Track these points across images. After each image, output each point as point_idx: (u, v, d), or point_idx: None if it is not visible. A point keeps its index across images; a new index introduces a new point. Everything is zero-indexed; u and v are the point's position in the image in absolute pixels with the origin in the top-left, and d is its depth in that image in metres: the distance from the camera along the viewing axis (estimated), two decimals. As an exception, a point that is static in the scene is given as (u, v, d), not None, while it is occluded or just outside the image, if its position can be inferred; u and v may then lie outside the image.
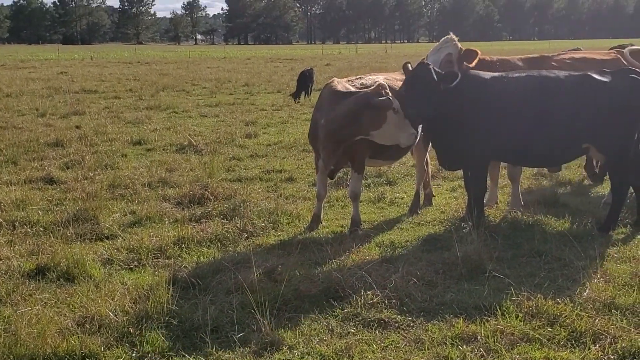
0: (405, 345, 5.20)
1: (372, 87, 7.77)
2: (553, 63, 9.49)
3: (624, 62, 9.38)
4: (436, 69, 7.80)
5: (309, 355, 5.06)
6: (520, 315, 5.56)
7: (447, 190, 10.33)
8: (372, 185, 10.59)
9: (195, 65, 47.84)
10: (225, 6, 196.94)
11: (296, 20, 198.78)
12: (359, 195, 8.42)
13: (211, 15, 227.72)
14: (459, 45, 8.93)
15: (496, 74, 8.17)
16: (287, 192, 10.19)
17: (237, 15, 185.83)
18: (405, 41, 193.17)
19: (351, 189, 8.36)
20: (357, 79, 8.57)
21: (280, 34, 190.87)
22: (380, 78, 8.39)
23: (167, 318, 5.55)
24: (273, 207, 8.80)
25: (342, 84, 8.12)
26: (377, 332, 5.42)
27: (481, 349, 5.02)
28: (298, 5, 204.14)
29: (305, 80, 23.43)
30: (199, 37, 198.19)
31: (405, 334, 5.39)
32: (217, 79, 33.20)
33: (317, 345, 5.16)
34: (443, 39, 9.13)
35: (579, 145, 7.94)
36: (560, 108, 7.71)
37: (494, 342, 5.11)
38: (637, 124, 7.89)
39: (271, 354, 5.09)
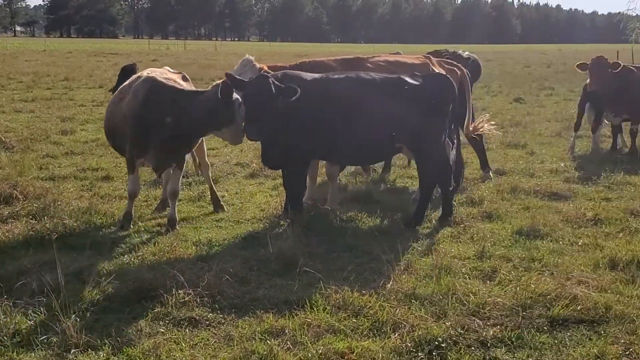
0: (215, 342, 5.24)
1: (215, 85, 7.77)
2: (368, 65, 9.88)
3: (433, 67, 9.96)
4: (276, 81, 7.77)
5: (114, 356, 4.97)
6: (328, 307, 5.77)
7: (268, 189, 10.46)
8: (192, 184, 10.52)
9: (12, 58, 45.06)
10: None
11: (122, 14, 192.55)
12: (177, 194, 8.36)
13: (32, 7, 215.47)
14: (258, 65, 9.10)
15: (316, 75, 8.39)
16: (103, 191, 9.90)
17: (59, 7, 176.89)
18: (236, 39, 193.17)
19: (172, 187, 8.29)
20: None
21: (105, 28, 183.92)
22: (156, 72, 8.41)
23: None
24: (86, 207, 8.50)
25: (163, 78, 8.06)
26: (187, 330, 5.41)
27: (288, 342, 5.16)
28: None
29: (126, 76, 22.68)
30: (18, 28, 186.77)
31: (215, 331, 5.42)
32: (35, 72, 31.51)
33: (124, 346, 5.07)
34: (241, 60, 9.26)
35: (392, 144, 8.34)
36: (374, 109, 8.06)
37: (301, 334, 5.26)
38: (445, 125, 8.42)
39: (75, 356, 4.95)
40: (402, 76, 8.32)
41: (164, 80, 8.02)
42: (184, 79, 8.74)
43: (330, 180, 9.42)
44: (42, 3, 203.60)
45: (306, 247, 7.28)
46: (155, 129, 7.80)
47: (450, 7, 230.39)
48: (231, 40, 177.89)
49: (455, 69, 10.07)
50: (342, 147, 8.24)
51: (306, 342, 5.15)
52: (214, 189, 9.26)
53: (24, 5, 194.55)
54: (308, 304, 5.80)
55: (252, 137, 7.75)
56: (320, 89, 8.08)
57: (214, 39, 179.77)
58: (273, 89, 7.59)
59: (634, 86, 13.06)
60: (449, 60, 10.52)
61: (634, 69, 13.80)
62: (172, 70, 8.93)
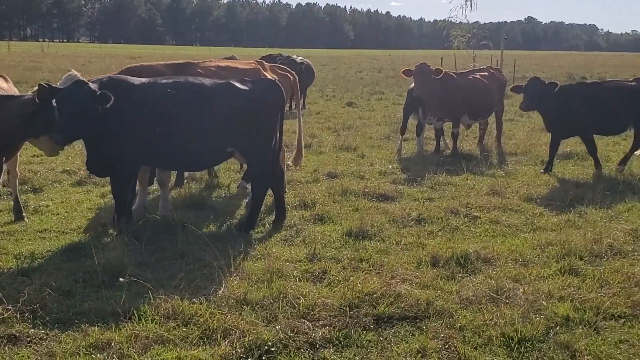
0: (36, 359, 4.98)
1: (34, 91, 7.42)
2: (199, 70, 9.81)
3: (265, 72, 10.04)
4: (93, 86, 7.48)
5: None
6: (157, 317, 5.65)
7: (96, 196, 10.09)
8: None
9: None
10: None
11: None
12: None
13: None
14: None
15: (144, 79, 8.19)
16: None
17: None
18: (65, 40, 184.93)
19: None
20: None
21: None
22: None
23: None
24: None
25: None
26: (6, 348, 5.13)
27: (114, 355, 5.01)
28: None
29: None
30: None
31: (37, 348, 5.17)
32: None
33: None
34: (65, 76, 8.96)
35: (224, 149, 8.31)
36: (201, 114, 7.99)
37: (128, 347, 5.13)
38: (274, 129, 8.50)
39: None
40: (231, 81, 8.33)
41: None
42: (5, 80, 8.31)
43: (160, 187, 9.25)
44: None
45: (136, 255, 7.11)
46: None
47: (286, 12, 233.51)
48: (60, 42, 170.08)
49: (287, 74, 10.23)
50: (169, 154, 8.10)
51: (133, 355, 5.02)
52: (18, 198, 8.83)
53: None
54: (136, 315, 5.66)
55: (57, 142, 7.45)
56: (147, 94, 7.90)
57: (42, 40, 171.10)
58: (85, 94, 7.31)
59: (454, 91, 13.85)
60: (281, 66, 10.66)
61: (454, 75, 14.65)
62: None
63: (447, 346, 5.37)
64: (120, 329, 5.40)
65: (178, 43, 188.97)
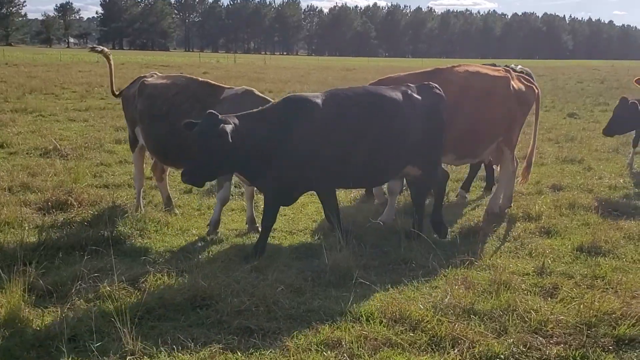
0: (270, 352, 5.15)
1: None
2: (446, 76, 9.44)
3: (512, 81, 9.67)
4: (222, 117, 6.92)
5: (170, 363, 4.93)
6: (384, 320, 5.65)
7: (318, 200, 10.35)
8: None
9: (66, 68, 46.04)
10: (100, 10, 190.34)
11: (174, 27, 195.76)
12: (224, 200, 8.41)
13: (85, 19, 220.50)
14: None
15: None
16: (157, 199, 9.95)
17: (112, 20, 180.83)
18: (285, 53, 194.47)
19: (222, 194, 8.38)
20: None
21: (157, 41, 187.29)
22: None
23: (21, 327, 5.28)
24: (140, 214, 8.56)
25: None
26: (242, 339, 5.34)
27: (345, 355, 5.05)
28: (176, 12, 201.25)
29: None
30: (71, 40, 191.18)
31: (271, 341, 5.33)
32: (89, 83, 32.08)
33: (179, 354, 5.03)
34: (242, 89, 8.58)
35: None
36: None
37: (358, 347, 5.15)
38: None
39: (131, 363, 4.93)
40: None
41: None
42: None
43: (390, 195, 9.29)
44: (95, 15, 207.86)
45: (361, 259, 7.20)
46: None
47: (500, 22, 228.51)
48: (280, 54, 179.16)
49: (533, 86, 9.86)
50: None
51: (364, 355, 5.04)
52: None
53: (77, 17, 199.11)
54: (364, 316, 5.70)
55: (184, 181, 6.99)
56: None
57: (263, 52, 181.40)
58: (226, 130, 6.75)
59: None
60: (527, 77, 10.24)
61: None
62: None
63: (702, 376, 4.86)
64: (350, 329, 5.45)
65: (390, 55, 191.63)
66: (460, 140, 9.05)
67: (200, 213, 9.33)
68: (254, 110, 7.30)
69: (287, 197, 7.62)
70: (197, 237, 8.20)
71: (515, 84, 9.49)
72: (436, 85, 8.16)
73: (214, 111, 6.95)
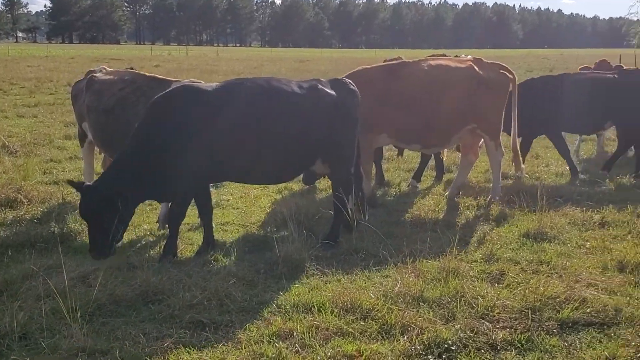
0: (222, 345, 5.19)
1: None
2: (412, 69, 9.71)
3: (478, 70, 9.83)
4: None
5: (122, 359, 4.92)
6: (336, 310, 5.72)
7: (273, 192, 10.42)
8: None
9: (14, 63, 45.10)
10: (48, 3, 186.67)
11: (124, 20, 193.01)
12: None
13: (33, 12, 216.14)
14: None
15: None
16: (108, 194, 9.86)
17: (61, 13, 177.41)
18: (238, 45, 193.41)
19: None
20: None
21: (107, 34, 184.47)
22: None
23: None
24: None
25: None
26: (194, 333, 5.36)
27: (297, 345, 5.12)
28: (126, 4, 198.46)
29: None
30: (19, 34, 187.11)
31: (223, 334, 5.37)
32: (38, 78, 31.52)
33: (130, 349, 5.03)
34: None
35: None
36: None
37: (309, 337, 5.22)
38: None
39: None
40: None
41: None
42: None
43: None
44: (44, 9, 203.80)
45: (312, 250, 7.25)
46: None
47: (452, 12, 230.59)
48: (233, 46, 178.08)
49: (506, 72, 10.03)
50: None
51: (315, 345, 5.10)
52: None
53: (25, 11, 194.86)
54: (316, 306, 5.77)
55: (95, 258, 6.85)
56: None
57: (216, 44, 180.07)
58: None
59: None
60: (501, 64, 10.38)
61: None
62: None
63: (639, 355, 5.03)
64: (302, 320, 5.51)
65: (344, 46, 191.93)
66: (427, 130, 9.40)
67: (152, 208, 9.28)
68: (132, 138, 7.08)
69: (194, 190, 7.38)
70: (148, 232, 8.18)
71: (484, 72, 9.68)
72: (350, 81, 8.05)
73: (89, 184, 6.96)
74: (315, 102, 7.48)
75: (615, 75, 11.79)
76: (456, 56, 10.93)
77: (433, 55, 11.25)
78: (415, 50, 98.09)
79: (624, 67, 13.09)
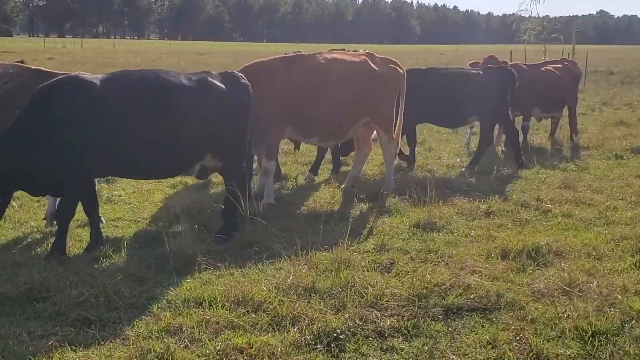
0: (109, 342, 5.10)
1: None
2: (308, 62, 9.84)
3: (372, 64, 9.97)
4: None
5: (4, 358, 4.77)
6: (227, 304, 5.72)
7: (167, 187, 10.29)
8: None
9: None
10: None
11: (17, 12, 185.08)
12: None
13: None
14: None
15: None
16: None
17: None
18: (136, 37, 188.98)
19: None
20: None
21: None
22: None
23: None
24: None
25: None
26: (80, 331, 5.25)
27: (186, 340, 5.08)
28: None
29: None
30: None
31: (110, 331, 5.28)
32: None
33: (14, 348, 4.88)
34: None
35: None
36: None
37: (199, 331, 5.20)
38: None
39: (-38, 362, 4.74)
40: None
41: None
42: None
43: (265, 176, 9.49)
44: None
45: (205, 244, 7.21)
46: None
47: (352, 7, 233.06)
48: (131, 39, 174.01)
49: (397, 67, 10.21)
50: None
51: (204, 339, 5.09)
52: None
53: None
54: (207, 301, 5.75)
55: None
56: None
57: (113, 37, 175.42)
58: None
59: (525, 84, 13.55)
60: (392, 59, 10.53)
61: (525, 67, 14.36)
62: None
63: (518, 338, 5.27)
64: (192, 314, 5.48)
65: (245, 40, 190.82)
66: (324, 123, 9.57)
67: (40, 205, 8.99)
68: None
69: (76, 184, 7.12)
70: (35, 230, 7.94)
71: (377, 66, 9.86)
72: (241, 74, 7.99)
73: None
74: (204, 95, 7.38)
75: (480, 72, 12.20)
76: (355, 51, 11.08)
77: (332, 50, 11.38)
78: (316, 45, 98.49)
79: (509, 63, 13.54)
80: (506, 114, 12.03)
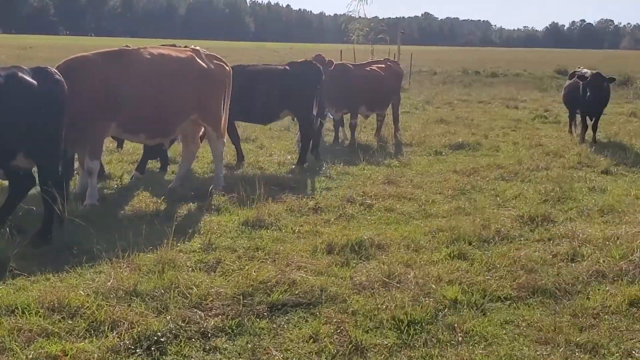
0: None
1: None
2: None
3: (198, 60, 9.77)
4: None
5: None
6: (42, 310, 5.43)
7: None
8: None
9: None
10: None
11: None
12: None
13: None
14: None
15: None
16: None
17: None
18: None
19: None
20: None
21: None
22: None
23: None
24: None
25: None
26: None
27: (-7, 349, 4.78)
28: None
29: None
30: None
31: None
32: None
33: None
34: None
35: None
36: None
37: (11, 340, 4.91)
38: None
39: None
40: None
41: None
42: None
43: (89, 176, 9.07)
44: None
45: (20, 248, 6.80)
46: None
47: (185, 3, 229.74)
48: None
49: (223, 64, 10.08)
50: None
51: (16, 348, 4.80)
52: None
53: None
54: (19, 308, 5.42)
55: None
56: None
57: None
58: None
59: (352, 82, 13.98)
60: (217, 55, 10.38)
61: (351, 66, 14.79)
62: None
63: (339, 330, 5.39)
64: (2, 323, 5.16)
65: (72, 33, 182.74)
66: (150, 120, 9.30)
67: None
68: None
69: None
70: None
71: (204, 63, 9.73)
72: (55, 70, 7.65)
73: None
74: (12, 92, 6.97)
75: (287, 67, 12.42)
76: (185, 46, 10.90)
77: (159, 45, 11.13)
78: (147, 40, 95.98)
79: (334, 62, 13.86)
80: (312, 108, 12.14)
